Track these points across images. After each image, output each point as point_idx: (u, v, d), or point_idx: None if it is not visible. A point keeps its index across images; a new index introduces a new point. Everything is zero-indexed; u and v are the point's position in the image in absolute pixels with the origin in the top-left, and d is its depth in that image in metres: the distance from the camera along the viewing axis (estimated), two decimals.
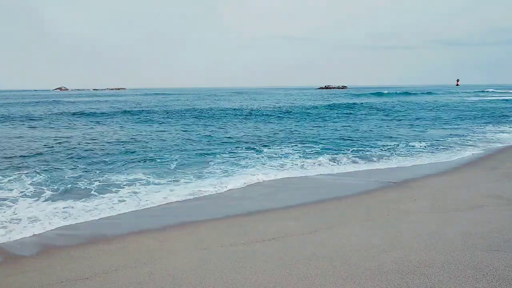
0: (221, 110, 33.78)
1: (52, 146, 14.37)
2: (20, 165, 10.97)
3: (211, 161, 11.66)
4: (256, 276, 4.27)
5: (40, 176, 9.64)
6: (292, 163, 11.46)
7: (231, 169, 10.55)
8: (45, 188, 8.61)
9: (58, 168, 10.69)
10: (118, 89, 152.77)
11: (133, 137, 17.25)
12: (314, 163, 11.39)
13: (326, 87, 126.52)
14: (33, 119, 25.88)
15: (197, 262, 4.77)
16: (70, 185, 8.90)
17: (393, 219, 6.19)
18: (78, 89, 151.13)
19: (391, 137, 16.84)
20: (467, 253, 4.57)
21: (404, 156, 12.30)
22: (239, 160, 11.87)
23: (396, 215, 6.42)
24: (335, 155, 12.44)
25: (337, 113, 30.27)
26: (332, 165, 11.18)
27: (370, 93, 69.07)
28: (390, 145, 14.34)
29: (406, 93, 69.45)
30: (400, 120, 24.98)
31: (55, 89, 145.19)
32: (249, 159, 12.03)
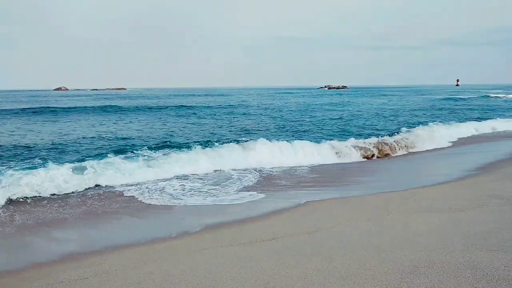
0: None
1: None
2: None
3: None
4: (256, 276, 4.27)
5: None
6: None
7: None
8: None
9: None
10: (118, 89, 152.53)
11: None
12: None
13: (326, 87, 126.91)
14: None
15: (197, 262, 4.77)
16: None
17: (393, 219, 6.19)
18: (78, 89, 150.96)
19: None
20: (467, 253, 4.57)
21: None
22: None
23: (396, 215, 6.41)
24: None
25: None
26: None
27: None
28: None
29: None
30: None
31: (55, 89, 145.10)
32: None
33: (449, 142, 16.02)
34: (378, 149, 13.76)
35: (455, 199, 7.15)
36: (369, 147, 13.79)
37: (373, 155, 13.33)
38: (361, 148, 13.57)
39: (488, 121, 22.68)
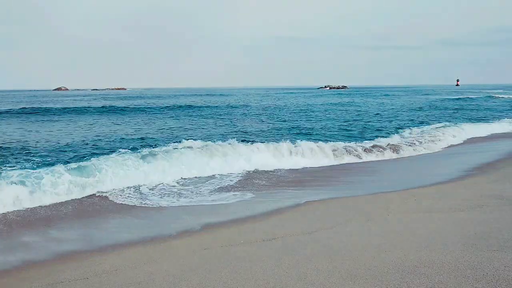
0: None
1: None
2: None
3: None
4: (256, 276, 4.27)
5: None
6: None
7: None
8: None
9: None
10: (118, 89, 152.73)
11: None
12: None
13: (326, 87, 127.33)
14: None
15: (197, 262, 4.77)
16: None
17: (393, 219, 6.19)
18: (78, 89, 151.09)
19: None
20: (467, 253, 4.57)
21: None
22: None
23: (396, 215, 6.41)
24: None
25: None
26: None
27: None
28: None
29: None
30: None
31: (55, 89, 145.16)
32: None
33: (451, 142, 16.00)
34: (379, 149, 13.77)
35: (455, 199, 7.15)
36: (369, 148, 13.81)
37: (372, 155, 13.33)
38: (361, 148, 13.59)
39: (492, 121, 22.73)
